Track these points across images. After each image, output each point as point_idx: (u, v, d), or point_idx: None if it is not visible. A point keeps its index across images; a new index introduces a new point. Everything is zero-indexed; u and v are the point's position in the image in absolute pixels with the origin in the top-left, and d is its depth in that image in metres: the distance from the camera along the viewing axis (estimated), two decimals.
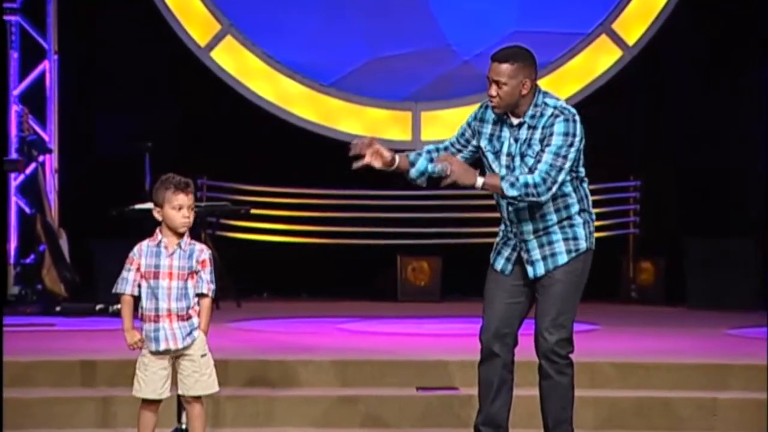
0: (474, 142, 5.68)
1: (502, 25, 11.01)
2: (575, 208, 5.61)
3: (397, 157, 5.66)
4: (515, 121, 5.59)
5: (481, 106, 5.72)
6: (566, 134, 5.49)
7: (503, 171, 5.58)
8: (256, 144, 11.33)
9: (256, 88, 11.21)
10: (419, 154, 5.71)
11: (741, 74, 10.87)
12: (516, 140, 5.57)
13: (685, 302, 10.66)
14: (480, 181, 5.47)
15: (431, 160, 5.64)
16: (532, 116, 5.56)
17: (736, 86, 10.98)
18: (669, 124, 11.43)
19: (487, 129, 5.66)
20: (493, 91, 5.53)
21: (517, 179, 5.44)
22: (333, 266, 11.27)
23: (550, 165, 5.45)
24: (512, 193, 5.43)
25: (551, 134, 5.48)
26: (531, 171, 5.48)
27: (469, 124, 5.71)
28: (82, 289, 10.11)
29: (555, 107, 5.56)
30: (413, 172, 5.68)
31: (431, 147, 5.76)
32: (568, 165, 5.47)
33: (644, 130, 11.40)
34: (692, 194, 11.19)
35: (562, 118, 5.51)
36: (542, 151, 5.47)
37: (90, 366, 7.04)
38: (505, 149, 5.59)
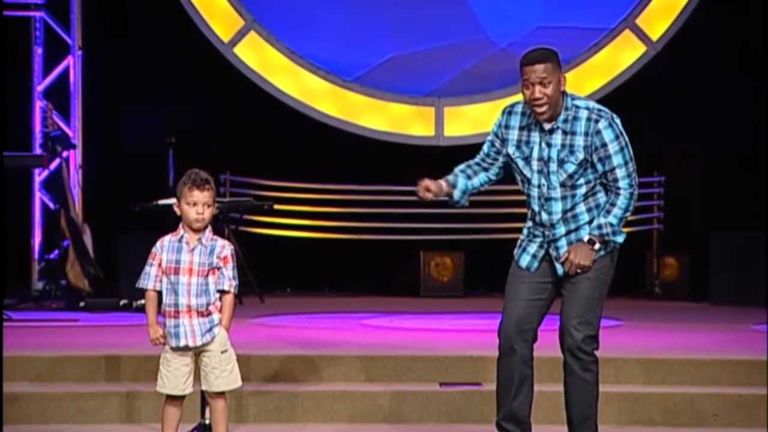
0: (504, 150, 5.67)
1: (526, 21, 10.99)
2: None
3: (443, 184, 5.67)
4: (547, 126, 5.56)
5: (503, 113, 5.70)
6: (617, 138, 5.52)
7: (535, 176, 5.58)
8: (279, 139, 11.34)
9: (278, 84, 11.22)
10: (455, 176, 5.72)
11: (765, 68, 10.81)
12: (549, 145, 5.55)
13: (708, 298, 10.63)
14: (597, 245, 5.53)
15: (468, 177, 5.70)
16: (565, 120, 5.53)
17: (760, 81, 10.92)
18: (693, 120, 11.39)
19: (514, 135, 5.64)
20: (538, 92, 5.47)
21: (615, 215, 5.51)
22: (356, 262, 11.28)
23: (627, 175, 5.53)
24: (621, 224, 5.54)
25: (603, 145, 5.50)
26: (592, 184, 5.53)
27: (495, 134, 5.70)
28: (106, 284, 10.13)
29: (588, 109, 5.54)
30: (456, 194, 5.70)
31: (462, 166, 5.76)
32: (634, 162, 5.55)
33: (668, 126, 11.36)
34: (716, 189, 11.15)
35: (603, 122, 5.51)
36: (601, 164, 5.49)
37: (114, 361, 7.06)
38: (535, 154, 5.57)
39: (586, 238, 5.54)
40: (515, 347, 5.62)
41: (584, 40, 11.17)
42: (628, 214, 5.57)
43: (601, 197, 5.60)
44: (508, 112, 5.68)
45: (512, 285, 5.69)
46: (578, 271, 5.54)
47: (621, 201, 5.54)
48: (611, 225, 5.53)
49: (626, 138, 5.55)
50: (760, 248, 10.46)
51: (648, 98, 11.29)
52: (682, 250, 11.21)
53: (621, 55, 11.20)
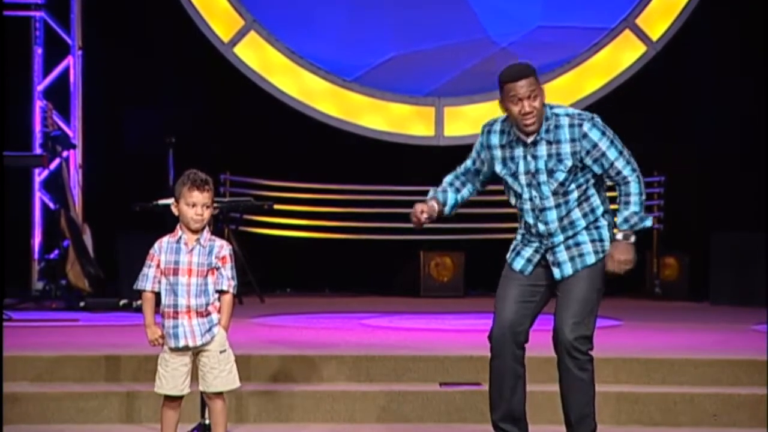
0: (485, 169, 5.72)
1: (527, 20, 11.00)
2: (600, 210, 5.66)
3: (436, 205, 5.73)
4: (529, 138, 5.57)
5: (483, 132, 5.72)
6: (604, 134, 5.57)
7: (525, 190, 5.60)
8: (279, 139, 11.35)
9: (278, 84, 11.22)
10: (444, 191, 5.78)
11: (765, 68, 10.81)
12: (535, 157, 5.57)
13: (708, 298, 10.63)
14: (633, 238, 5.59)
15: (457, 190, 5.79)
16: (547, 130, 5.56)
17: (760, 81, 10.92)
18: (693, 120, 11.39)
19: (498, 153, 5.66)
20: (528, 106, 5.49)
21: (635, 203, 5.59)
22: (356, 262, 11.28)
23: (627, 162, 5.59)
24: (643, 209, 5.62)
25: (594, 146, 5.53)
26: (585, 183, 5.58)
27: (478, 153, 5.76)
28: (106, 284, 10.14)
29: (569, 115, 5.59)
30: (447, 210, 5.79)
31: (450, 177, 5.83)
32: (626, 148, 5.61)
33: (668, 126, 11.36)
34: (716, 189, 11.15)
35: (587, 125, 5.55)
36: (598, 165, 5.54)
37: (114, 361, 7.06)
38: (521, 168, 5.60)
39: (619, 236, 5.57)
40: (508, 349, 5.63)
41: (584, 40, 11.17)
42: (644, 196, 5.64)
43: (595, 201, 5.63)
44: (488, 131, 5.70)
45: (504, 287, 5.70)
46: (624, 268, 5.57)
47: (633, 187, 5.60)
48: (636, 213, 5.59)
49: (611, 130, 5.62)
50: (760, 248, 10.46)
51: (648, 98, 11.29)
52: (682, 250, 11.22)
53: (621, 55, 11.20)
